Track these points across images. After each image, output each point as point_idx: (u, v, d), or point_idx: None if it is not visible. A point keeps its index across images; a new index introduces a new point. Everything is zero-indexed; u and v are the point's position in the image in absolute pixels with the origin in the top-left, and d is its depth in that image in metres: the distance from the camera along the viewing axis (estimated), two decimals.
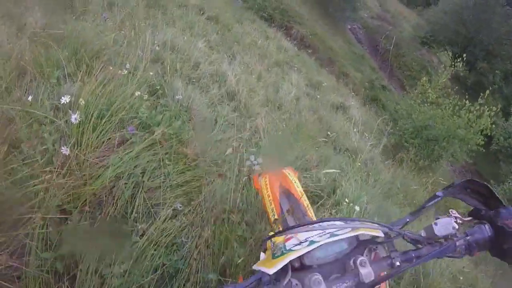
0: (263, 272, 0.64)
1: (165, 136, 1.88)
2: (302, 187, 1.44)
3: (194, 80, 3.38)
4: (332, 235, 0.67)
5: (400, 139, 6.58)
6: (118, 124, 1.78)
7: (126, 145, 1.75)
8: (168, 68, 3.00)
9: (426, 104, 6.83)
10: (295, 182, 1.44)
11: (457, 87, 16.92)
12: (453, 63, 17.40)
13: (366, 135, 5.76)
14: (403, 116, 6.93)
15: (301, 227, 0.73)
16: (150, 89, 2.46)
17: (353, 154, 4.23)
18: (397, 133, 6.71)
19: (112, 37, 2.62)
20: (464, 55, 13.50)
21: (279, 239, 0.78)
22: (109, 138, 1.70)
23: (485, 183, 0.77)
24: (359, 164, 3.47)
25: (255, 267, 0.69)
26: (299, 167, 2.76)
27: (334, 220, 0.70)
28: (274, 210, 1.31)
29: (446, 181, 6.26)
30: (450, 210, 0.75)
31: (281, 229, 1.03)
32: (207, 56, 4.51)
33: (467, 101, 6.49)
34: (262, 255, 0.89)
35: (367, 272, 0.64)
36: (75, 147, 1.52)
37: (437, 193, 0.77)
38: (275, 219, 1.28)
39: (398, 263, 0.68)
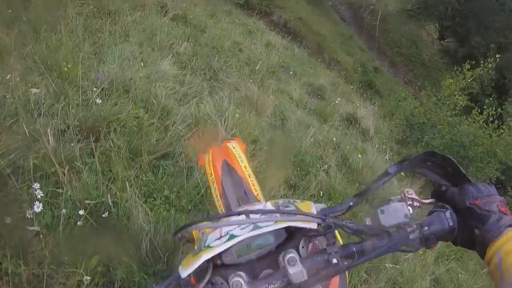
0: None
1: None
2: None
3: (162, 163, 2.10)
4: (255, 227, 0.54)
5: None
6: None
7: None
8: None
9: (453, 112, 5.75)
10: (239, 156, 1.23)
11: (447, 60, 16.12)
12: (443, 37, 16.45)
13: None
14: (425, 124, 5.80)
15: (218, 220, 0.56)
16: None
17: None
18: (419, 143, 5.61)
19: None
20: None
21: (208, 229, 0.65)
22: None
23: (448, 155, 0.61)
24: None
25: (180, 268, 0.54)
26: None
27: (264, 208, 0.61)
28: (216, 189, 1.15)
29: None
30: (406, 190, 0.60)
31: (223, 210, 1.06)
32: (179, 84, 3.22)
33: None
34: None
35: (296, 272, 0.50)
36: None
37: (388, 170, 0.62)
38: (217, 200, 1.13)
39: (335, 260, 0.53)
